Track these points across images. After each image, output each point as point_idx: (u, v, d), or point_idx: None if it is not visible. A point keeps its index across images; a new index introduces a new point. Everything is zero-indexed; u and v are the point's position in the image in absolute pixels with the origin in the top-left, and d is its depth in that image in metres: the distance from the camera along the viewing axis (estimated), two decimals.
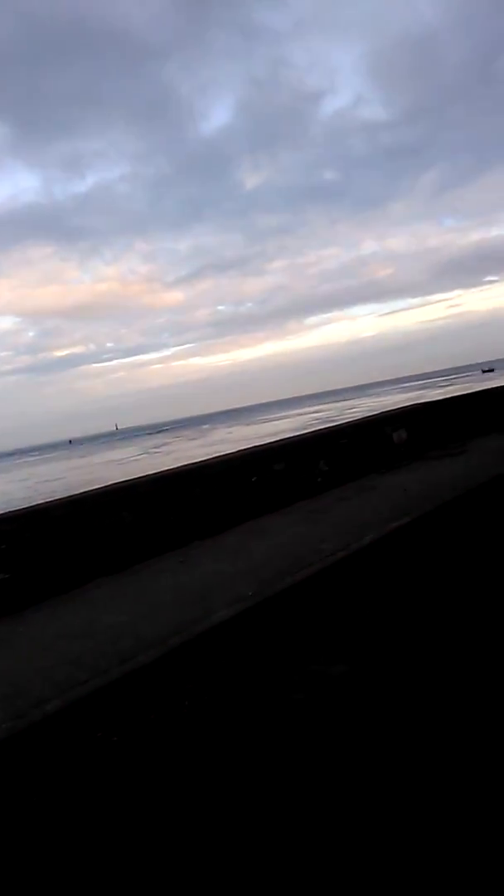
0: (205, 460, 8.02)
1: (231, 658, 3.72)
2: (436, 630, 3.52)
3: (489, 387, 12.02)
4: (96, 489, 7.18)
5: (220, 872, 2.03)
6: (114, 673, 3.54)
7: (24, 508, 6.80)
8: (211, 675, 3.53)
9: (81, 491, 7.32)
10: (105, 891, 2.08)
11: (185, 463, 8.32)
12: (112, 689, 3.42)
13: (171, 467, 7.92)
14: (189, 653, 3.76)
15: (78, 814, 2.51)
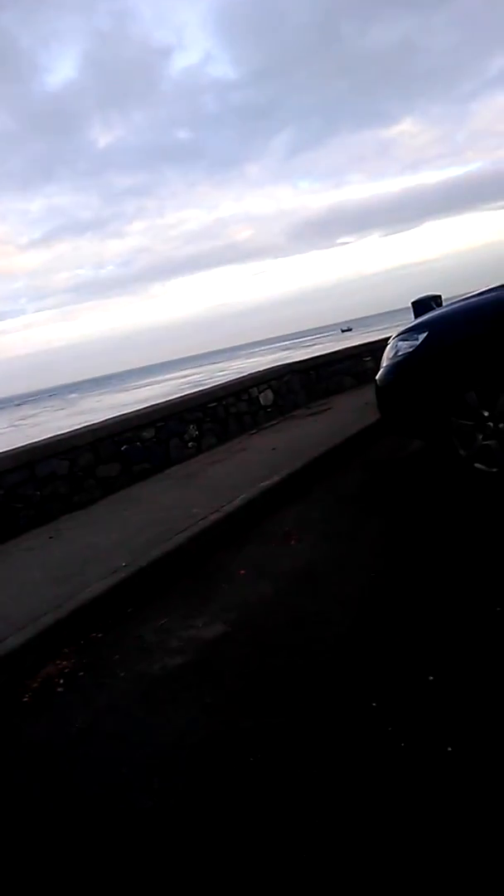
0: (71, 431, 7.74)
1: (105, 631, 3.68)
2: (312, 578, 3.67)
3: (347, 346, 12.49)
4: None
5: None
6: None
7: None
8: (87, 652, 3.48)
9: None
10: None
11: (52, 435, 7.99)
12: None
13: (36, 440, 7.58)
14: (63, 630, 3.67)
15: None
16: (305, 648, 2.91)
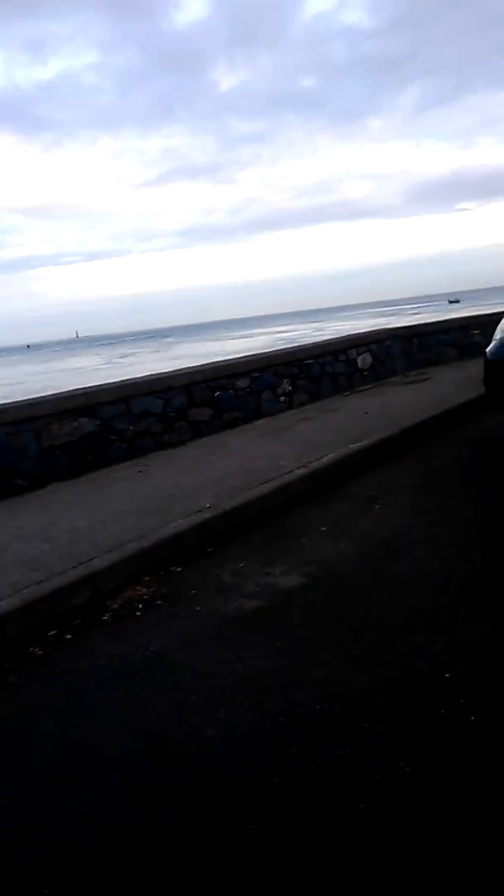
0: (168, 372, 7.88)
1: (185, 566, 3.79)
2: (396, 543, 3.63)
3: (454, 317, 11.99)
4: (55, 394, 7.02)
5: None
6: (69, 575, 3.55)
7: None
8: (166, 583, 3.59)
9: (40, 395, 7.15)
10: None
11: (149, 374, 8.17)
12: (66, 591, 3.44)
13: (135, 377, 7.77)
14: (146, 559, 3.80)
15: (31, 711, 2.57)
16: (382, 610, 2.90)
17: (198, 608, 3.24)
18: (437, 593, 2.98)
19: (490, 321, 8.63)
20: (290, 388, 8.59)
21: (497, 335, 5.00)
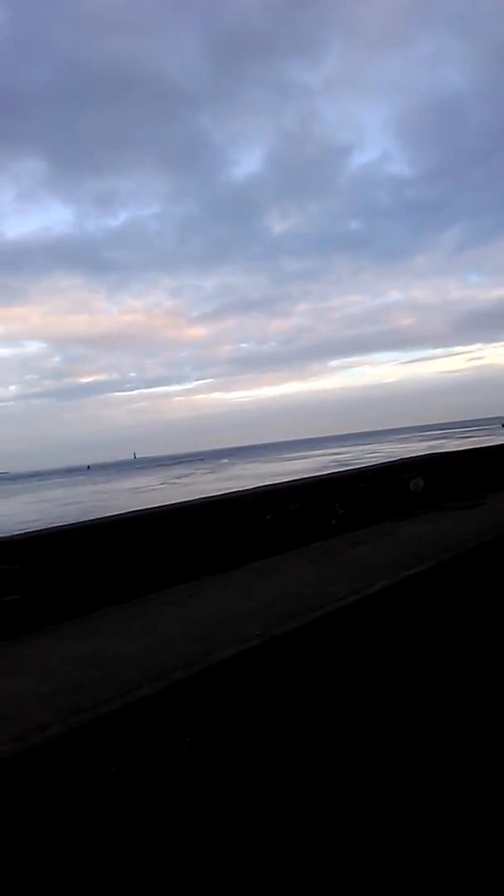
0: (220, 495, 8.05)
1: (233, 697, 3.69)
2: (443, 681, 3.48)
3: None
4: (111, 516, 7.23)
5: None
6: (116, 703, 3.52)
7: (38, 530, 6.86)
8: (213, 713, 3.51)
9: (96, 517, 7.37)
10: None
11: (202, 496, 8.35)
12: (113, 719, 3.40)
13: (187, 500, 7.95)
14: (192, 688, 3.74)
15: (71, 844, 2.49)
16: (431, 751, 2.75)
17: (245, 741, 3.13)
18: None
19: None
20: (343, 511, 8.60)
21: None
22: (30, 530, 6.79)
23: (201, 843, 2.39)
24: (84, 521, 7.12)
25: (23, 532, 6.71)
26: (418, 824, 2.31)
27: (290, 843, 2.31)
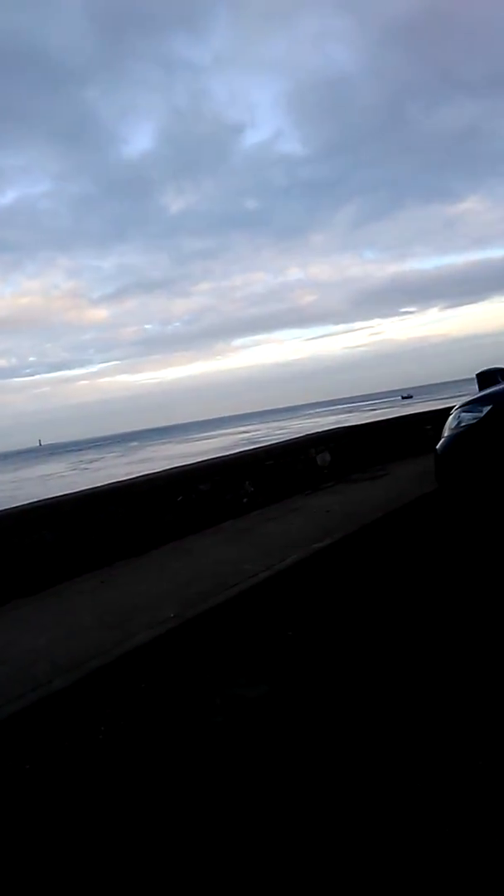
0: (130, 479, 7.92)
1: (150, 682, 3.68)
2: (351, 648, 3.60)
3: (408, 413, 12.47)
4: (16, 507, 6.96)
5: None
6: (29, 698, 3.42)
7: None
8: (129, 701, 3.48)
9: (1, 509, 7.08)
10: None
11: (111, 481, 8.19)
12: (25, 716, 3.30)
13: (96, 486, 7.78)
14: (107, 677, 3.69)
15: None
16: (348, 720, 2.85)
17: (163, 726, 3.13)
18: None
19: (441, 416, 9.00)
20: (253, 489, 8.69)
21: (445, 432, 5.22)
22: None
23: (116, 832, 2.37)
24: None
25: None
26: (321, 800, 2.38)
27: (201, 828, 2.33)
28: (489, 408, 4.80)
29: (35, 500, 7.49)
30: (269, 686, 3.34)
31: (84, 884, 2.12)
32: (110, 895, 2.07)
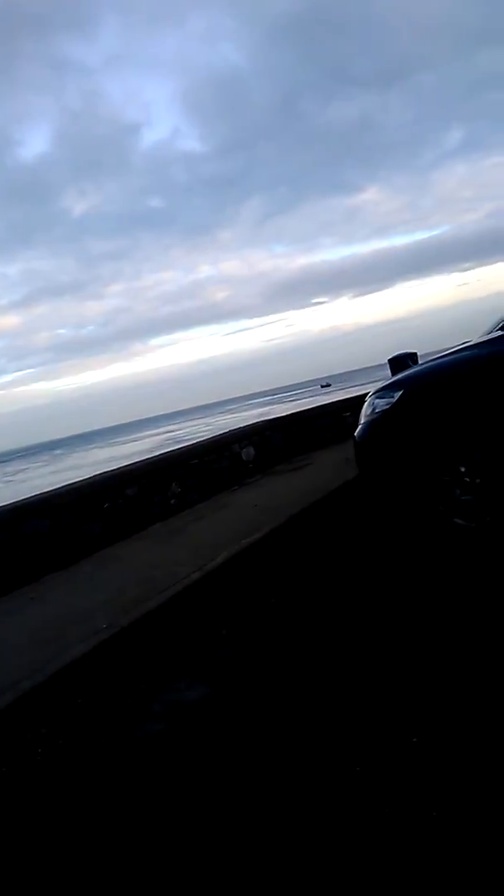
0: (54, 489, 7.73)
1: (86, 696, 3.62)
2: (294, 642, 3.66)
3: (327, 402, 12.72)
4: None
5: None
6: None
7: None
8: (66, 717, 3.41)
9: None
10: None
11: (35, 493, 7.97)
12: None
13: (18, 499, 7.55)
14: (42, 696, 3.61)
15: None
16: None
17: (102, 741, 3.09)
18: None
19: (358, 403, 9.22)
20: (180, 489, 8.66)
21: (362, 419, 5.36)
22: None
23: (59, 850, 2.33)
24: None
25: None
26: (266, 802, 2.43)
27: (141, 842, 2.33)
28: (400, 393, 4.96)
29: None
30: (209, 687, 3.35)
31: None
32: None
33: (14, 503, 7.26)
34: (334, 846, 2.00)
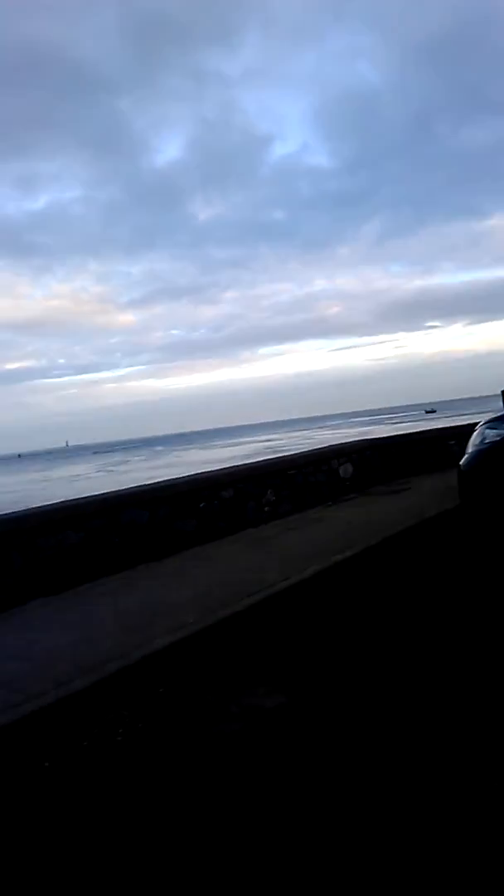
0: (153, 484, 8.02)
1: (169, 687, 3.72)
2: (375, 664, 3.61)
3: (431, 427, 12.41)
4: (42, 507, 7.08)
5: None
6: (49, 696, 3.49)
7: None
8: (147, 704, 3.52)
9: (25, 508, 7.21)
10: None
11: (135, 485, 8.29)
12: (45, 714, 3.37)
13: (118, 489, 7.88)
14: (127, 679, 3.74)
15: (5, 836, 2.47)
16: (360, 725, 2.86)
17: (179, 731, 3.17)
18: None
19: (464, 432, 8.95)
20: (275, 497, 8.72)
21: (469, 448, 5.22)
22: None
23: (132, 832, 2.42)
24: (12, 513, 6.95)
25: None
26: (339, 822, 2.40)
27: (206, 831, 2.37)
28: None
29: (60, 500, 7.62)
30: (287, 697, 3.36)
31: (89, 879, 2.17)
32: (111, 889, 2.11)
33: (116, 492, 7.59)
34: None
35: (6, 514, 6.86)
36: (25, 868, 2.30)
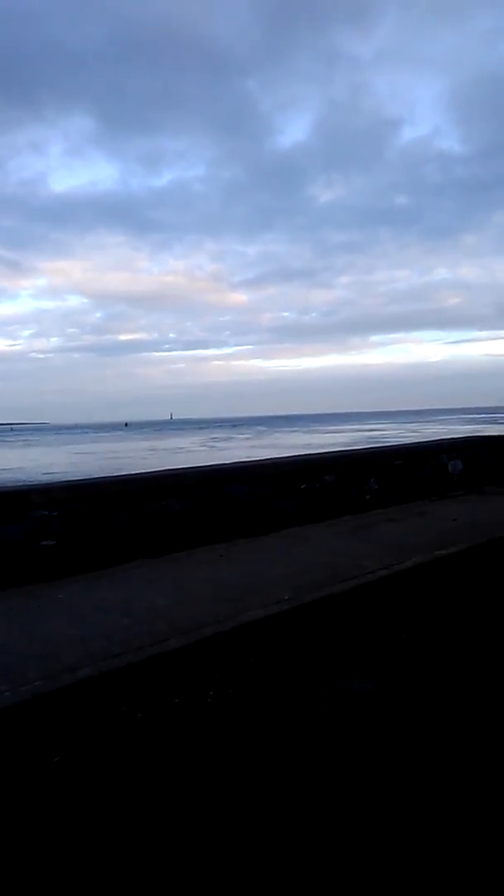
0: (256, 461, 8.09)
1: (260, 658, 3.76)
2: (470, 661, 3.48)
3: None
4: (147, 473, 7.34)
5: (216, 874, 2.05)
6: (146, 651, 3.62)
7: (78, 480, 7.00)
8: (238, 671, 3.58)
9: (132, 472, 7.50)
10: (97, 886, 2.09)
11: (238, 461, 8.40)
12: (142, 667, 3.49)
13: (223, 463, 8.01)
14: (220, 645, 3.82)
15: (96, 778, 2.59)
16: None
17: (268, 702, 3.19)
18: None
19: None
20: (377, 487, 8.56)
21: None
22: (69, 479, 6.93)
23: (214, 793, 2.46)
24: (120, 476, 7.24)
25: (63, 481, 6.86)
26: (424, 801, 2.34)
27: (299, 806, 2.36)
28: None
29: (164, 468, 7.86)
30: (377, 684, 3.31)
31: (174, 825, 2.24)
32: (209, 841, 2.16)
33: (219, 465, 7.73)
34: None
35: (114, 476, 7.17)
36: (120, 811, 2.40)
